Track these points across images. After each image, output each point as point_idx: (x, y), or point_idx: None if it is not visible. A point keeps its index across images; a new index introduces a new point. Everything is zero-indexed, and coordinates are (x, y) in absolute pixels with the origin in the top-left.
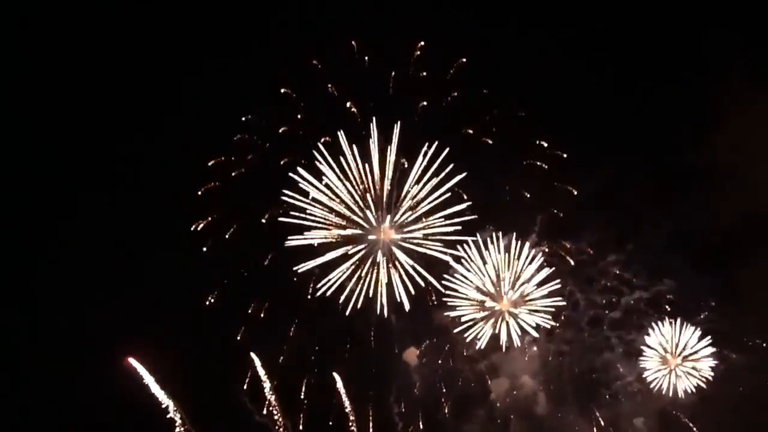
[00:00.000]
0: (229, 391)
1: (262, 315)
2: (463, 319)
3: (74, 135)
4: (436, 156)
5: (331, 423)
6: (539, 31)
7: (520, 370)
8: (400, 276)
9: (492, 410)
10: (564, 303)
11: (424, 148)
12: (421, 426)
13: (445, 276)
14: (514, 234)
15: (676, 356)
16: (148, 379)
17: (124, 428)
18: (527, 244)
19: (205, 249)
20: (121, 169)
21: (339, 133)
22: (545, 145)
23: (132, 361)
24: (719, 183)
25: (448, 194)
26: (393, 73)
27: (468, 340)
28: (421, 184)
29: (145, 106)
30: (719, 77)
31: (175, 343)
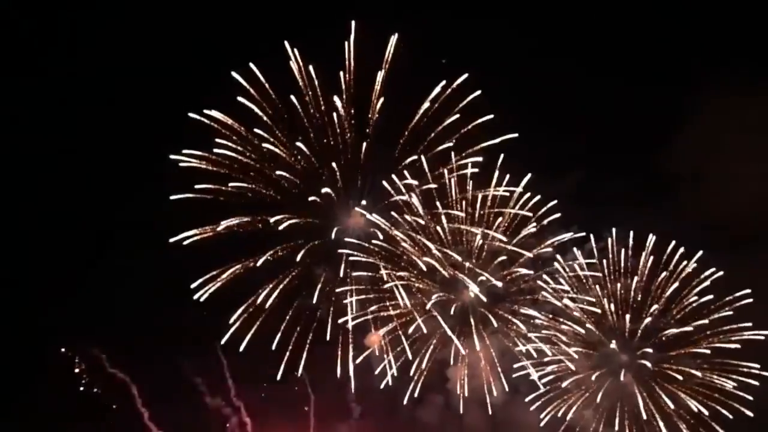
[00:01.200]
0: (180, 374)
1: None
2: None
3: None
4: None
5: (288, 408)
6: (516, 30)
7: (478, 358)
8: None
9: (449, 397)
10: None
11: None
12: (379, 412)
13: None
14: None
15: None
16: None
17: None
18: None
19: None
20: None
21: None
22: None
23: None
24: (691, 187)
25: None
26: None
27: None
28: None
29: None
30: (695, 80)
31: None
